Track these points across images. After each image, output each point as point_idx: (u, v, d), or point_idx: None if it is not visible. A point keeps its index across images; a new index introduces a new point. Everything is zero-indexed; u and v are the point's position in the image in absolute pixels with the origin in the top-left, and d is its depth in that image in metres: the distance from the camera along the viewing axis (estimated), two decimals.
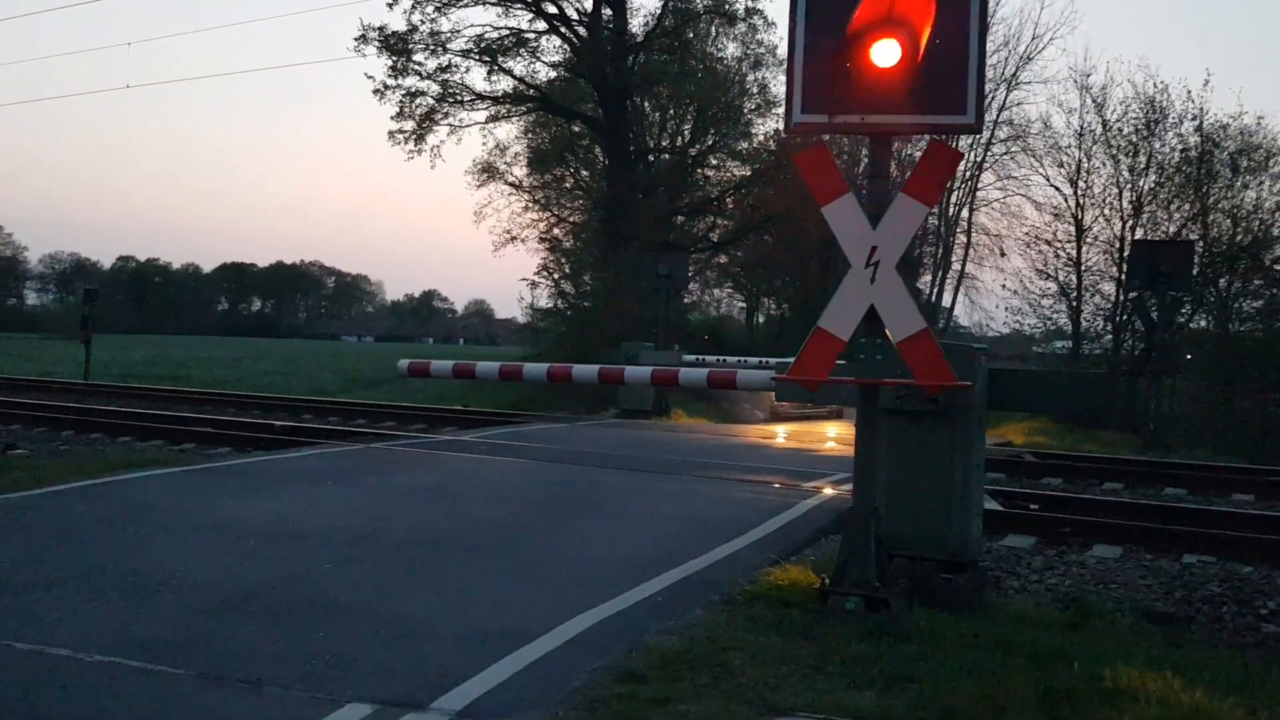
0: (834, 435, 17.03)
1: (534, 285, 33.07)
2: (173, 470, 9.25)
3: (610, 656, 4.61)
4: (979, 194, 38.97)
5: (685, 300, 37.81)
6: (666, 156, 39.82)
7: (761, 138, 38.40)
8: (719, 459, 11.88)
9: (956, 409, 5.99)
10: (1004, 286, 26.68)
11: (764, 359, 20.01)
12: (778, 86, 38.61)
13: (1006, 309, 26.00)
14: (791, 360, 5.62)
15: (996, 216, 39.54)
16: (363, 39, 30.90)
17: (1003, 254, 35.35)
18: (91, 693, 3.98)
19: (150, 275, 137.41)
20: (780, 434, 16.99)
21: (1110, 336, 24.41)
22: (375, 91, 31.70)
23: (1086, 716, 4.19)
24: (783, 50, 37.42)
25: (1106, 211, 25.40)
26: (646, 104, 37.90)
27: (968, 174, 36.83)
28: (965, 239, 39.54)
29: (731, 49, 36.92)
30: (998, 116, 35.61)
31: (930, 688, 4.38)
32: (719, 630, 5.08)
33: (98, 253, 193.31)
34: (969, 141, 31.88)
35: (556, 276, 32.18)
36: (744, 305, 59.27)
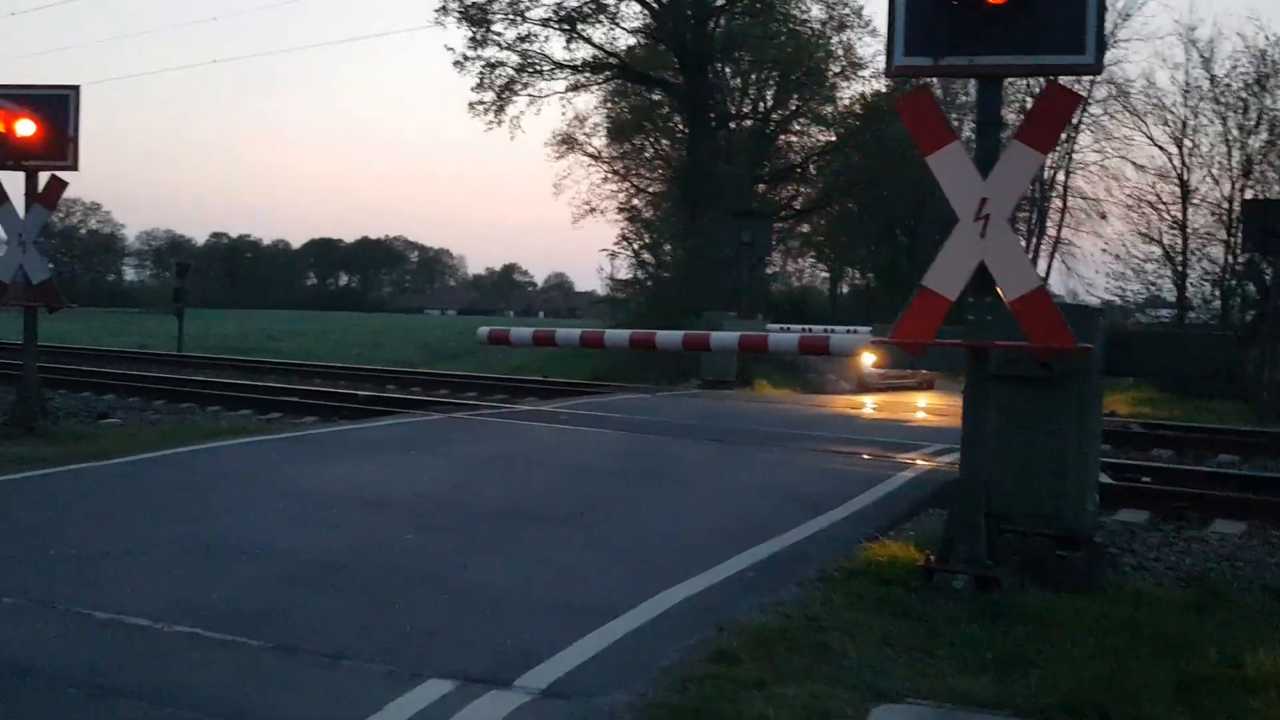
0: (925, 406, 16.50)
1: (613, 256, 32.80)
2: (258, 439, 9.24)
3: (701, 634, 4.35)
4: (1075, 156, 37.42)
5: (768, 270, 37.22)
6: (748, 123, 39.10)
7: (847, 101, 37.43)
8: (807, 430, 11.52)
9: (1072, 374, 5.56)
10: (1104, 250, 25.40)
11: (853, 327, 19.46)
12: (864, 49, 37.51)
13: (1107, 275, 24.87)
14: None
15: (1094, 179, 37.95)
16: (443, 10, 30.80)
17: (1103, 217, 33.83)
18: (168, 662, 3.86)
19: (242, 251, 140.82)
20: (869, 405, 16.53)
21: (1218, 302, 23.25)
22: (455, 63, 31.61)
23: (1230, 709, 3.81)
24: (869, 11, 36.32)
25: (1214, 171, 24.14)
26: (728, 69, 37.21)
27: (1064, 135, 35.33)
28: (1061, 203, 38.05)
29: (816, 11, 35.92)
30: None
31: (1051, 673, 4.04)
32: (816, 609, 4.79)
33: (192, 229, 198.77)
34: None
35: (636, 246, 31.88)
36: (827, 275, 58.22)
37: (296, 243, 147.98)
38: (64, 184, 9.04)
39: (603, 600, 4.79)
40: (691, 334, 12.08)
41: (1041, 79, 6.13)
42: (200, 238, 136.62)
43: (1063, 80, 5.28)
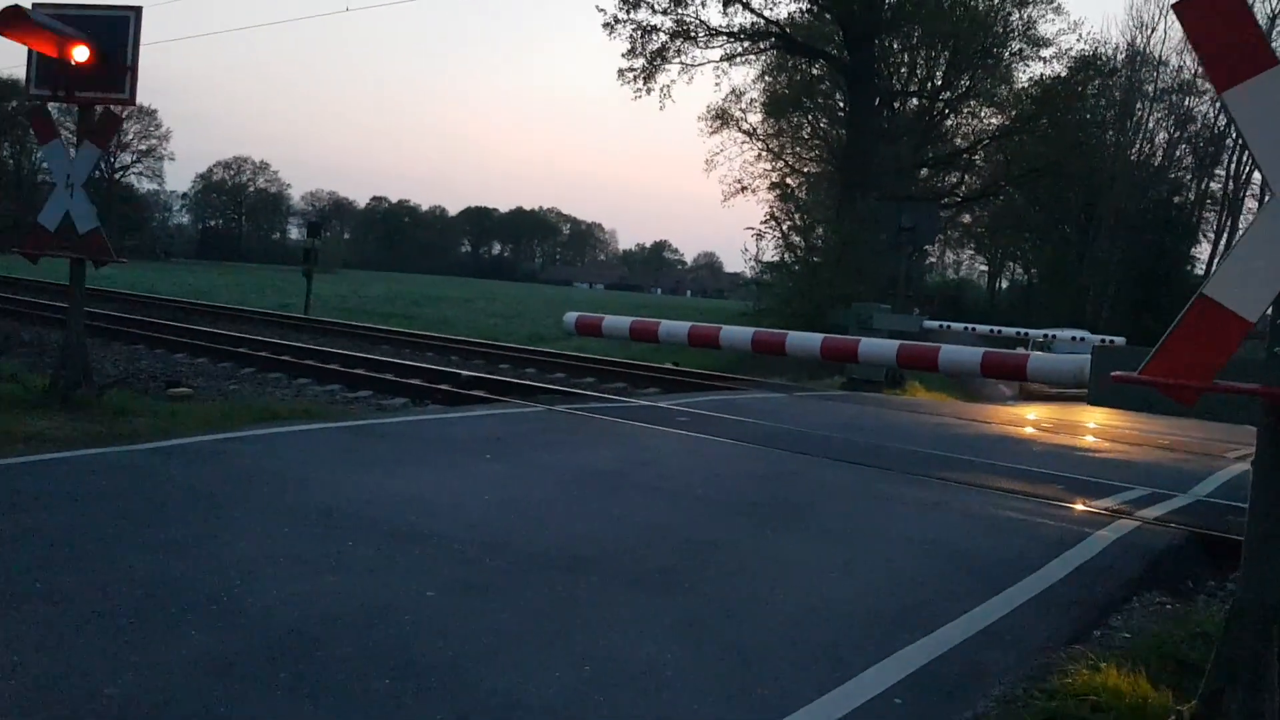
0: (1101, 426, 14.19)
1: (760, 236, 30.94)
2: (316, 426, 7.95)
3: None
4: None
5: (926, 261, 34.80)
6: (914, 103, 36.59)
7: (1025, 83, 34.56)
8: (967, 454, 9.61)
9: None
10: None
11: (1049, 333, 17.19)
12: (1046, 26, 34.54)
13: None
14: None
15: None
16: None
17: None
18: None
19: (400, 216, 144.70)
20: (1037, 421, 14.34)
21: None
22: (605, 25, 30.43)
23: None
24: None
25: None
26: (895, 44, 34.78)
27: None
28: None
29: None
30: None
31: None
32: None
33: (354, 193, 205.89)
34: None
35: (785, 227, 29.92)
36: (985, 269, 54.93)
37: (453, 210, 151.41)
38: (119, 119, 7.94)
39: None
40: (831, 339, 10.22)
41: None
42: (361, 201, 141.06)
43: None
